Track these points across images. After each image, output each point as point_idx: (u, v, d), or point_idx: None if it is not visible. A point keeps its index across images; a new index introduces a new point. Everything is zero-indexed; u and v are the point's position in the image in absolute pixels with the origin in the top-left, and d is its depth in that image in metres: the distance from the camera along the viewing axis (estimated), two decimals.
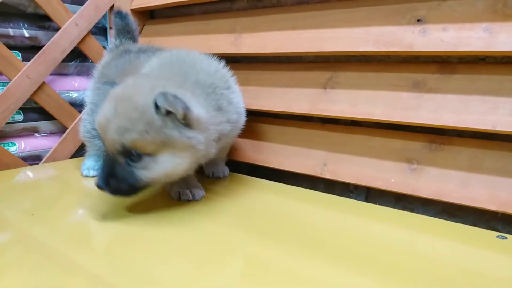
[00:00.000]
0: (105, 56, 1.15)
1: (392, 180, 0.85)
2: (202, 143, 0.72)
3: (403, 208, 0.92)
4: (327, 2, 0.98)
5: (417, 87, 0.82)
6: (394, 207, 0.92)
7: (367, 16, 0.87)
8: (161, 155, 0.69)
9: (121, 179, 0.70)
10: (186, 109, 0.68)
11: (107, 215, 0.78)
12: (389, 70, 0.87)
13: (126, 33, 1.17)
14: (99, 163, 1.06)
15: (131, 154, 0.69)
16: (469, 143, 0.80)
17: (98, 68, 1.10)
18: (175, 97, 0.67)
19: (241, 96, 0.92)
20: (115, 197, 0.74)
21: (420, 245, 0.66)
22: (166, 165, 0.70)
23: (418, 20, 0.80)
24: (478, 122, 0.74)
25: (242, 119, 0.91)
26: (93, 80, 1.09)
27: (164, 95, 0.66)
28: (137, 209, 0.81)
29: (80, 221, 0.78)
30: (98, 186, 0.70)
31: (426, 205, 0.89)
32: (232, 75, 0.90)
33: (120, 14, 1.16)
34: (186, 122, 0.69)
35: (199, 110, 0.72)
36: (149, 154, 0.69)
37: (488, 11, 0.74)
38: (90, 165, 1.05)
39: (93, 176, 1.03)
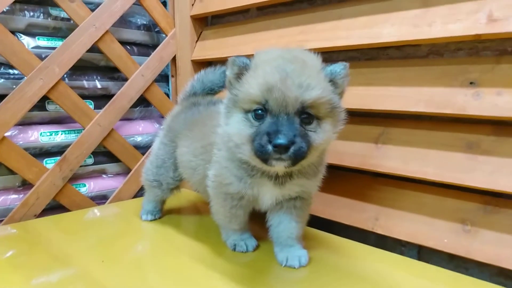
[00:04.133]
0: (174, 108, 1.14)
1: (445, 241, 0.84)
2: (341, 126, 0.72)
3: (457, 267, 0.90)
4: (377, 59, 1.01)
5: (471, 148, 0.82)
6: (447, 265, 0.90)
7: (419, 76, 0.89)
8: (326, 122, 0.68)
9: (302, 140, 0.64)
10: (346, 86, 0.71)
11: (163, 257, 0.87)
12: (442, 129, 0.88)
13: (209, 89, 1.13)
14: (157, 208, 1.12)
15: (305, 115, 0.66)
16: None
17: (166, 121, 1.11)
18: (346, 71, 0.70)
19: None
20: (284, 161, 0.64)
21: None
22: (327, 134, 0.68)
23: (471, 83, 0.81)
24: None
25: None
26: (161, 132, 1.10)
27: (343, 64, 0.69)
28: (190, 253, 0.87)
29: (136, 261, 0.87)
30: (279, 145, 0.61)
31: (482, 266, 0.86)
32: None
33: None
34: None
35: None
36: (318, 118, 0.67)
37: None
38: (149, 210, 1.11)
39: (151, 220, 1.10)
